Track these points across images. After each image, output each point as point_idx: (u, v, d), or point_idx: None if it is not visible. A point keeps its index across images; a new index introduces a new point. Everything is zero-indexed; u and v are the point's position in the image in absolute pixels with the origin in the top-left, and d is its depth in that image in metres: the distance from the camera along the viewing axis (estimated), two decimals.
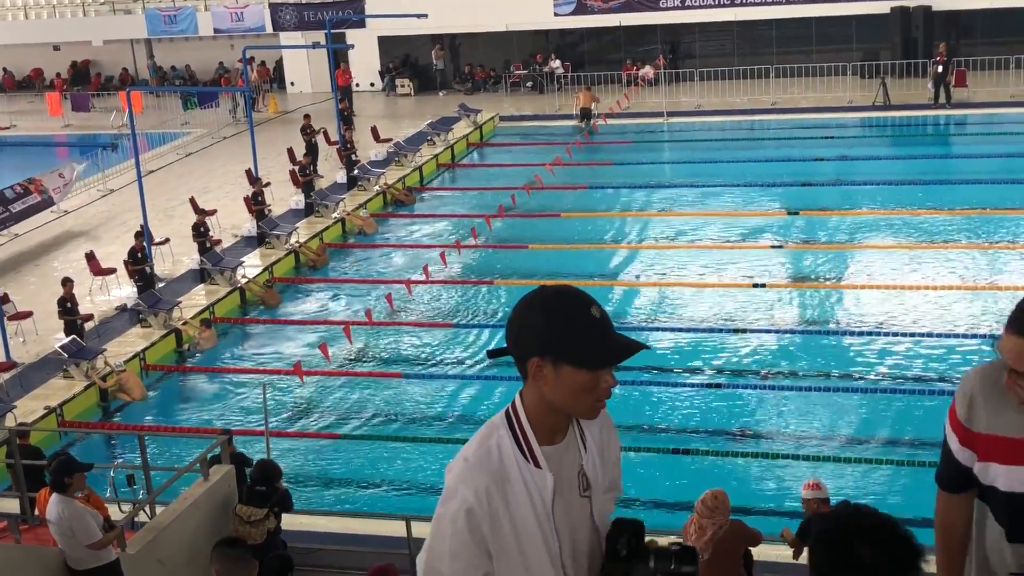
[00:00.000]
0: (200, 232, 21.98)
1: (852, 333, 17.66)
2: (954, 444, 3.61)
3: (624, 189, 26.99)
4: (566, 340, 3.18)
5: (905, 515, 12.32)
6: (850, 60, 35.53)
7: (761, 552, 9.27)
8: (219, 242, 22.97)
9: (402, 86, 41.58)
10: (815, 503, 9.53)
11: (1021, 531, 3.56)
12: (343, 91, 34.66)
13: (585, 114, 33.90)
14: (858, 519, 2.78)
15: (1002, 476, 3.58)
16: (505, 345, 3.29)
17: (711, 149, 30.79)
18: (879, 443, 14.18)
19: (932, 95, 32.64)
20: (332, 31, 34.52)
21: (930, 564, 3.23)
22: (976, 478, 3.61)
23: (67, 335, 17.71)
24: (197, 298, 20.53)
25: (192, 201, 24.66)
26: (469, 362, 17.67)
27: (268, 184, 25.75)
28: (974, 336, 17.03)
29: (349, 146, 28.86)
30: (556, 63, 39.37)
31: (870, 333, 17.51)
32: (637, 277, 21.22)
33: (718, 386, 16.14)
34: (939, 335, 17.21)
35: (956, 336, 17.15)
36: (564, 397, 3.21)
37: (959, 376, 15.75)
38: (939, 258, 20.71)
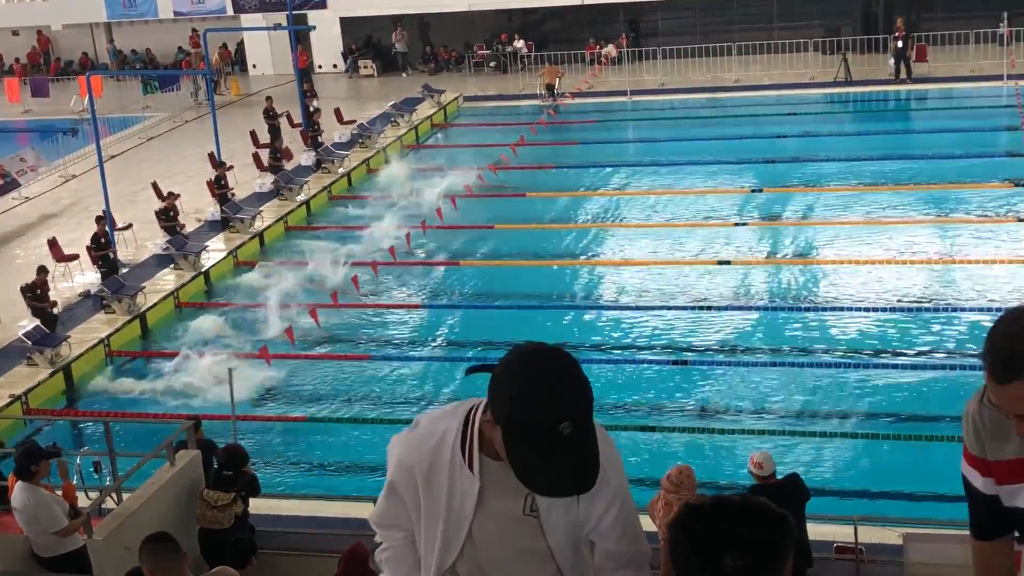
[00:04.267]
0: (170, 216, 21.89)
1: (817, 309, 17.80)
2: (977, 480, 3.44)
3: (589, 168, 27.02)
4: (516, 439, 2.95)
5: (867, 487, 12.48)
6: (811, 36, 35.65)
7: None
8: (183, 227, 22.85)
9: (365, 67, 41.39)
10: (760, 478, 9.68)
11: None
12: (303, 73, 34.44)
13: (550, 90, 33.92)
14: (721, 523, 2.64)
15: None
16: (485, 366, 3.15)
17: (675, 127, 30.86)
18: (843, 417, 14.30)
19: (893, 70, 32.83)
20: (294, 12, 34.29)
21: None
22: (1007, 511, 3.48)
23: (43, 323, 17.64)
24: (161, 283, 20.43)
25: (155, 186, 24.50)
26: (436, 343, 17.68)
27: (231, 167, 25.62)
28: (936, 310, 17.19)
29: (316, 128, 28.76)
30: (519, 43, 39.30)
31: (835, 308, 17.66)
32: (602, 256, 21.28)
33: (684, 363, 16.23)
34: (902, 309, 17.37)
35: (918, 310, 17.31)
36: (504, 458, 3.08)
37: (922, 350, 15.96)
38: (900, 233, 20.88)
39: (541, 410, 2.88)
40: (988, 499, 3.44)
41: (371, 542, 3.65)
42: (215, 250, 21.99)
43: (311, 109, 30.21)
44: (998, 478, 3.38)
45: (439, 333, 17.99)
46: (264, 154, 27.32)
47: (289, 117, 30.61)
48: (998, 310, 15.72)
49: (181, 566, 7.04)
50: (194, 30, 41.68)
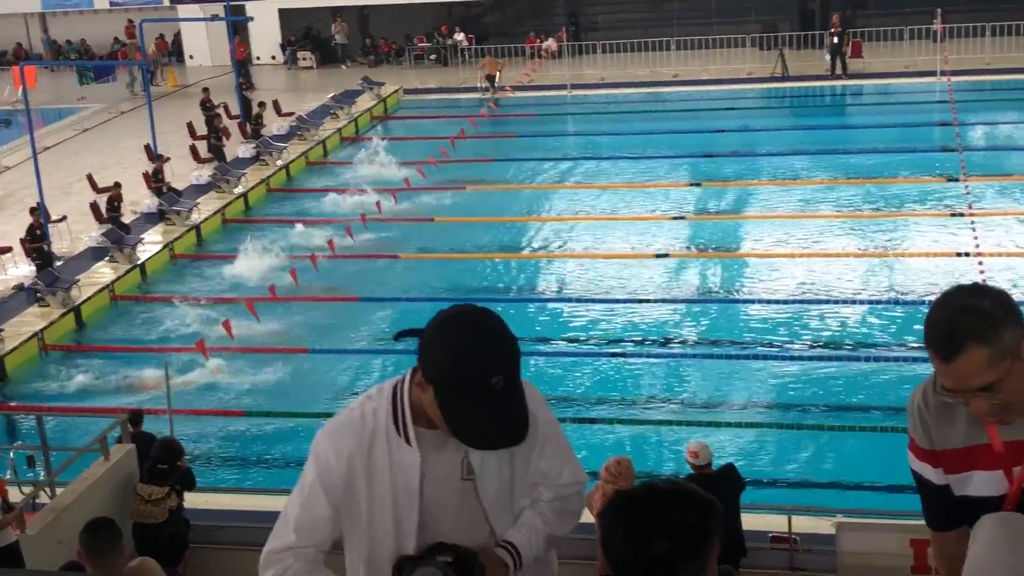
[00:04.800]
0: (114, 207, 21.70)
1: (754, 301, 17.97)
2: (928, 472, 3.45)
3: (529, 161, 27.07)
4: (450, 394, 3.07)
5: (802, 477, 12.62)
6: (749, 32, 35.97)
7: None
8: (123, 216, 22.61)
9: (304, 59, 41.11)
10: (697, 468, 9.77)
11: None
12: (240, 65, 34.15)
13: (491, 81, 33.94)
14: (652, 507, 2.70)
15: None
16: (413, 330, 3.27)
17: (615, 121, 30.98)
18: (778, 408, 14.45)
19: (829, 66, 33.20)
20: (231, 3, 33.97)
21: None
22: (958, 499, 3.51)
23: None
24: (97, 276, 20.17)
25: (89, 178, 24.19)
26: (374, 336, 17.62)
27: (168, 159, 25.35)
28: (872, 302, 17.42)
29: (259, 120, 28.57)
30: (460, 36, 39.23)
31: (772, 301, 17.83)
32: (542, 249, 21.33)
33: (623, 355, 16.31)
34: (839, 301, 17.59)
35: (854, 303, 17.54)
36: (438, 421, 3.17)
37: (857, 342, 16.17)
38: (837, 226, 21.13)
39: (474, 365, 3.01)
40: (942, 489, 3.46)
41: None
42: (151, 243, 21.75)
43: (256, 103, 30.00)
44: (947, 467, 3.42)
45: (377, 326, 17.93)
46: (201, 146, 27.08)
47: (227, 108, 30.35)
48: (931, 303, 15.98)
49: (117, 560, 6.92)
50: (130, 20, 41.11)
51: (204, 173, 25.62)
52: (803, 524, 9.77)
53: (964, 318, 3.03)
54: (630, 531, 2.66)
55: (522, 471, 3.45)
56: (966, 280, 17.44)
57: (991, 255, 18.37)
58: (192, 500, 10.97)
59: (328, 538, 3.37)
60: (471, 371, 3.02)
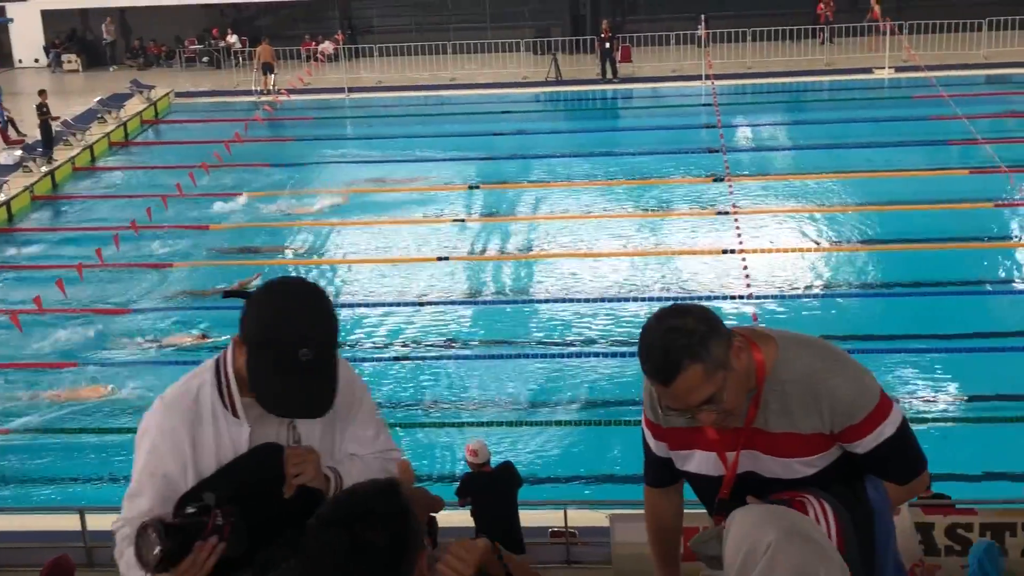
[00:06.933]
0: None
1: (531, 301, 18.25)
2: (651, 442, 3.75)
3: (307, 166, 26.77)
4: (259, 359, 3.14)
5: (577, 472, 12.90)
6: (523, 37, 36.55)
7: (444, 518, 9.47)
8: None
9: (69, 62, 39.58)
10: (475, 466, 9.91)
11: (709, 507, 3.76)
12: None
13: (268, 70, 33.49)
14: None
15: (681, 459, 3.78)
16: (241, 291, 3.37)
17: (394, 124, 30.98)
18: (554, 405, 14.70)
19: (600, 70, 34.06)
20: None
21: None
22: (677, 469, 3.77)
23: None
24: None
25: None
26: (142, 346, 17.06)
27: None
28: (645, 299, 17.89)
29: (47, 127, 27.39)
30: (233, 38, 38.49)
31: (548, 300, 18.15)
32: (321, 255, 21.13)
33: (404, 359, 16.31)
34: (610, 300, 18.03)
35: (626, 300, 18.00)
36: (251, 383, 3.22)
37: (630, 338, 16.60)
38: (610, 226, 21.66)
39: (285, 334, 3.08)
40: (660, 460, 3.78)
41: (77, 554, 3.51)
42: None
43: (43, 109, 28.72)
44: (671, 443, 3.69)
45: (146, 336, 17.37)
46: None
47: None
48: (699, 297, 16.61)
49: None
50: None
51: None
52: (580, 518, 10.01)
53: (673, 340, 3.23)
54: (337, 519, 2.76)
55: (341, 435, 3.54)
56: (731, 277, 18.23)
57: (754, 252, 19.18)
58: None
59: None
60: (281, 339, 3.08)
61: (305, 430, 3.37)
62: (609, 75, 33.86)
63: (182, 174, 24.89)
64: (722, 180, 23.37)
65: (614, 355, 15.85)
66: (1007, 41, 33.70)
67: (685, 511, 4.00)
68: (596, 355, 16.06)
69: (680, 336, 3.22)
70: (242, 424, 3.28)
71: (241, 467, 3.28)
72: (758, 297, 17.26)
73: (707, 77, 31.81)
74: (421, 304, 18.24)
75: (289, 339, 3.07)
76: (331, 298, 3.27)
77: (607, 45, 33.63)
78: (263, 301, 3.16)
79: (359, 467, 3.50)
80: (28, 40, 39.31)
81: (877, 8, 35.90)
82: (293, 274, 19.31)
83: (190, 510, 3.17)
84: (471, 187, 24.39)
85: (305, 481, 3.29)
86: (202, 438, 3.26)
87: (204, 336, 16.63)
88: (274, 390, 3.13)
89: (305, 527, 2.75)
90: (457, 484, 10.06)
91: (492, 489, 9.58)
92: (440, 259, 20.04)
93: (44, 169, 25.99)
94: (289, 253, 21.14)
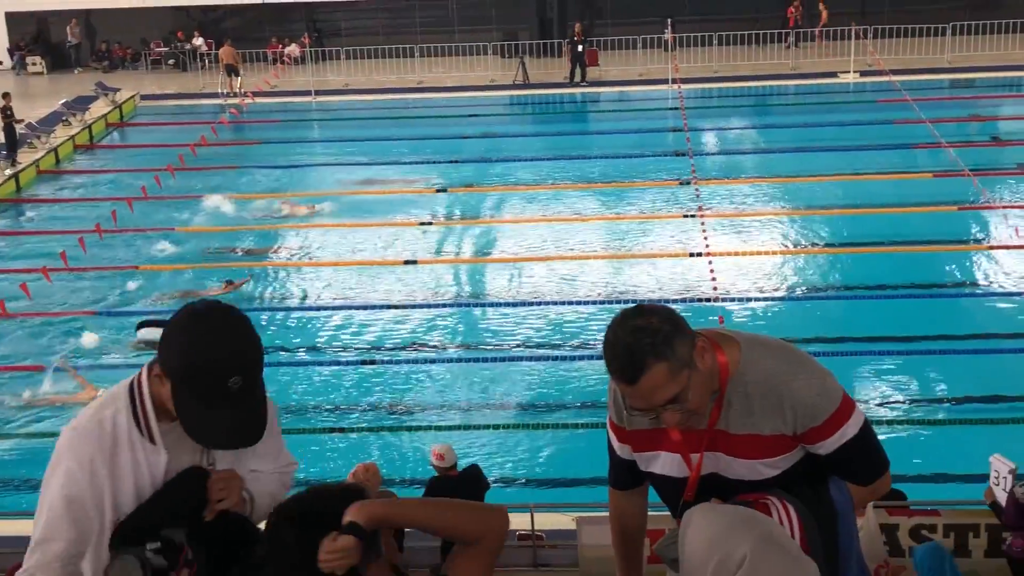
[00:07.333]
0: None
1: (498, 304, 18.24)
2: (615, 444, 3.77)
3: (273, 169, 26.67)
4: (185, 391, 3.05)
5: (543, 474, 12.90)
6: (491, 40, 36.57)
7: None
8: None
9: (33, 64, 39.31)
10: (442, 469, 9.91)
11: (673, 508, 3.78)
12: None
13: (232, 72, 33.34)
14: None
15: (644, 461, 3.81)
16: (156, 320, 3.33)
17: (361, 127, 30.90)
18: (520, 408, 14.71)
19: (570, 73, 34.11)
20: None
21: None
22: (641, 471, 3.78)
23: None
24: None
25: None
26: (107, 350, 16.91)
27: None
28: (612, 302, 17.95)
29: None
30: (199, 40, 38.30)
31: (516, 304, 18.14)
32: (288, 257, 21.06)
33: (372, 362, 16.27)
34: (579, 303, 18.05)
35: (595, 303, 18.04)
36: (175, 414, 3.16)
37: (598, 340, 16.64)
38: (577, 229, 21.69)
39: (213, 364, 2.99)
40: (625, 462, 3.80)
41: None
42: None
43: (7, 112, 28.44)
44: (635, 446, 3.71)
45: (112, 339, 17.24)
46: None
47: None
48: (666, 300, 16.64)
49: None
50: None
51: None
52: (547, 520, 10.02)
53: (638, 339, 3.24)
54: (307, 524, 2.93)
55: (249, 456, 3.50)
56: (698, 280, 18.30)
57: (720, 254, 19.27)
58: None
59: (77, 552, 3.20)
60: (209, 369, 3.00)
61: (219, 452, 3.32)
62: (578, 78, 33.92)
63: (148, 177, 24.76)
64: (689, 183, 23.46)
65: (580, 358, 15.87)
66: (971, 46, 34.04)
67: (650, 513, 4.02)
68: (562, 358, 16.08)
69: (645, 335, 3.24)
70: (159, 450, 3.21)
71: (174, 494, 3.22)
72: (725, 300, 17.34)
73: (674, 81, 31.93)
74: (388, 307, 18.20)
75: (218, 369, 2.99)
76: (253, 325, 3.18)
77: (579, 48, 33.69)
78: (187, 328, 3.06)
79: (263, 485, 3.50)
80: None
81: (824, 13, 36.28)
82: (249, 279, 19.39)
83: (151, 546, 3.15)
84: (438, 190, 24.37)
85: (228, 506, 3.28)
86: (119, 466, 3.19)
87: None
88: (205, 421, 3.05)
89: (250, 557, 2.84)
90: (424, 488, 10.06)
91: (459, 492, 9.58)
92: (407, 263, 20.02)
93: (8, 172, 25.78)
94: (254, 256, 21.03)
